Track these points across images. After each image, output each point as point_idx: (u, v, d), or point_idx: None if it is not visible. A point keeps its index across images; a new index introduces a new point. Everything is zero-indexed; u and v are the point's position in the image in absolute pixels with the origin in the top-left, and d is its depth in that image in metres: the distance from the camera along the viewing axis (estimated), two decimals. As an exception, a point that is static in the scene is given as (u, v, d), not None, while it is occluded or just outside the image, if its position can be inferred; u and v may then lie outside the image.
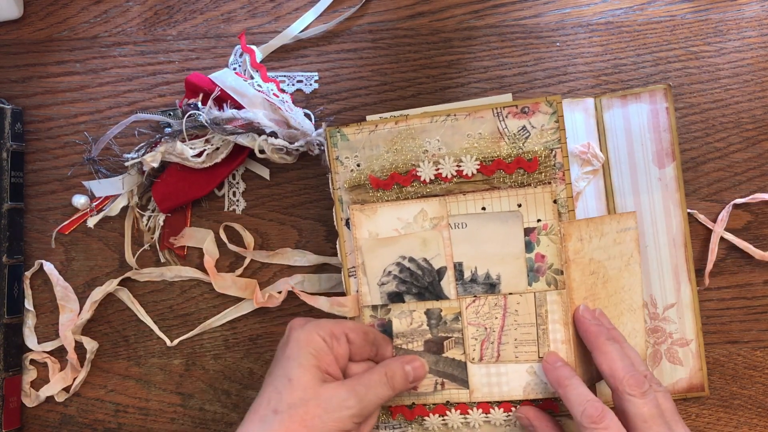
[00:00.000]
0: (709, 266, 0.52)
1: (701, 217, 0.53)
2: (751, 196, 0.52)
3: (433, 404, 0.48)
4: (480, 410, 0.47)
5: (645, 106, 0.51)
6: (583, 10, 0.54)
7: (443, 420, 0.48)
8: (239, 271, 0.54)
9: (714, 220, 0.53)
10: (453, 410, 0.48)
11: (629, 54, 0.54)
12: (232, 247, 0.54)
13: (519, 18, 0.54)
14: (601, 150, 0.51)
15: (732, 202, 0.52)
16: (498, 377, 0.47)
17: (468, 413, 0.48)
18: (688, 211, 0.52)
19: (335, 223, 0.50)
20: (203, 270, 0.54)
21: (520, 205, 0.46)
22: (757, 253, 0.52)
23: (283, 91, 0.54)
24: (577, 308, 0.46)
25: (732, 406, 0.53)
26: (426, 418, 0.48)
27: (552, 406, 0.47)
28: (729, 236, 0.52)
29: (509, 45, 0.54)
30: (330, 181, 0.49)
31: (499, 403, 0.47)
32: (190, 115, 0.51)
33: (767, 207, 0.53)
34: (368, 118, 0.51)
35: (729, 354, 0.53)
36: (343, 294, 0.50)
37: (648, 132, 0.51)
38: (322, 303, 0.50)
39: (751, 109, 0.53)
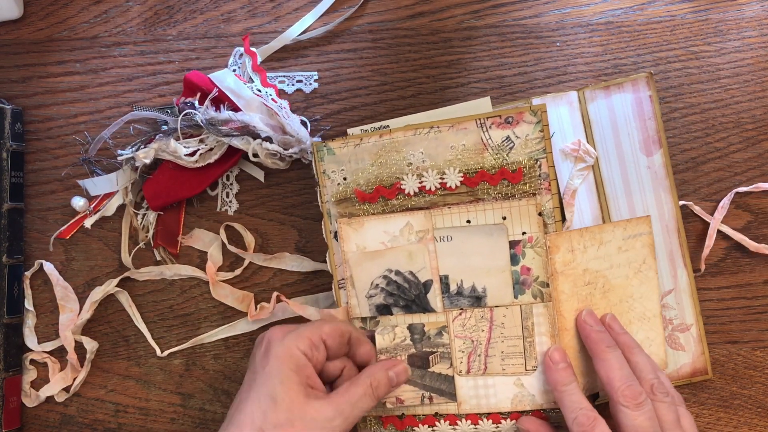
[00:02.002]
0: (706, 251, 0.52)
1: (696, 209, 0.52)
2: (753, 186, 0.52)
3: (423, 415, 0.48)
4: (469, 421, 0.47)
5: (628, 95, 0.51)
6: (583, 10, 0.54)
7: (433, 431, 0.48)
8: (239, 271, 0.54)
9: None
10: (442, 421, 0.48)
11: (629, 54, 0.54)
12: (231, 248, 0.54)
13: (519, 18, 0.54)
14: (587, 141, 0.51)
15: (734, 191, 0.52)
16: (486, 389, 0.47)
17: (457, 424, 0.48)
18: (683, 203, 0.52)
19: (324, 235, 0.50)
20: (202, 268, 0.54)
21: (505, 218, 0.46)
22: (752, 244, 0.52)
23: (281, 96, 0.54)
24: (579, 313, 0.46)
25: (732, 406, 0.53)
26: (416, 428, 0.48)
27: (542, 417, 0.47)
28: (725, 228, 0.52)
29: (509, 45, 0.54)
30: (318, 194, 0.49)
31: (488, 415, 0.47)
32: (186, 114, 0.51)
33: (767, 207, 0.53)
34: (350, 131, 0.50)
35: (729, 354, 0.53)
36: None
37: (633, 121, 0.51)
38: (312, 313, 0.51)
39: (751, 109, 0.53)
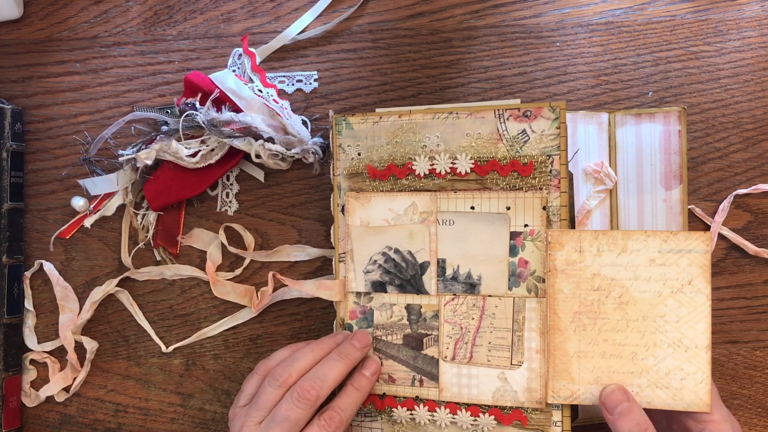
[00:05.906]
0: None
1: (698, 211, 0.52)
2: (752, 187, 0.52)
3: (404, 397, 0.48)
4: (447, 410, 0.47)
5: (658, 126, 0.51)
6: (583, 10, 0.54)
7: (411, 414, 0.48)
8: (239, 270, 0.54)
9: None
10: (421, 406, 0.48)
11: (629, 54, 0.54)
12: (232, 249, 0.54)
13: (519, 18, 0.54)
14: (610, 165, 0.51)
15: (734, 193, 0.52)
16: (468, 379, 0.47)
17: (435, 411, 0.48)
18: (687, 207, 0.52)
19: (332, 208, 0.50)
20: (202, 268, 0.54)
21: (509, 208, 0.46)
22: (751, 248, 0.52)
23: (281, 96, 0.54)
24: (605, 389, 0.45)
25: (732, 406, 0.53)
26: (395, 410, 0.48)
27: (521, 417, 0.46)
28: (725, 231, 0.52)
29: (509, 45, 0.54)
30: (331, 167, 0.50)
31: (468, 406, 0.47)
32: (187, 115, 0.51)
33: (767, 207, 0.53)
34: (377, 111, 0.51)
35: (729, 354, 0.53)
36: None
37: (658, 153, 0.51)
38: (308, 287, 0.51)
39: (751, 109, 0.53)
